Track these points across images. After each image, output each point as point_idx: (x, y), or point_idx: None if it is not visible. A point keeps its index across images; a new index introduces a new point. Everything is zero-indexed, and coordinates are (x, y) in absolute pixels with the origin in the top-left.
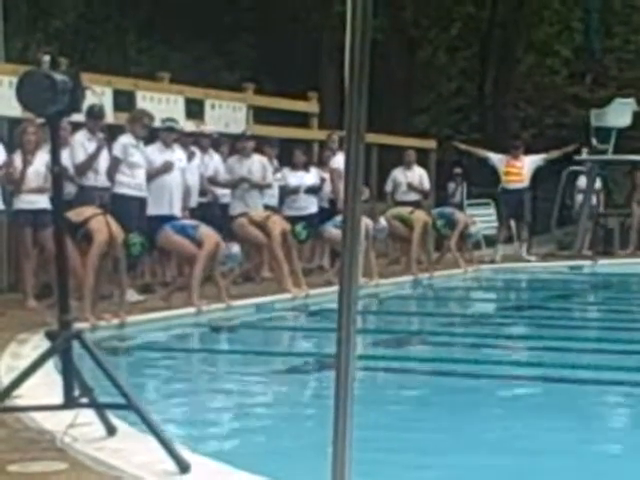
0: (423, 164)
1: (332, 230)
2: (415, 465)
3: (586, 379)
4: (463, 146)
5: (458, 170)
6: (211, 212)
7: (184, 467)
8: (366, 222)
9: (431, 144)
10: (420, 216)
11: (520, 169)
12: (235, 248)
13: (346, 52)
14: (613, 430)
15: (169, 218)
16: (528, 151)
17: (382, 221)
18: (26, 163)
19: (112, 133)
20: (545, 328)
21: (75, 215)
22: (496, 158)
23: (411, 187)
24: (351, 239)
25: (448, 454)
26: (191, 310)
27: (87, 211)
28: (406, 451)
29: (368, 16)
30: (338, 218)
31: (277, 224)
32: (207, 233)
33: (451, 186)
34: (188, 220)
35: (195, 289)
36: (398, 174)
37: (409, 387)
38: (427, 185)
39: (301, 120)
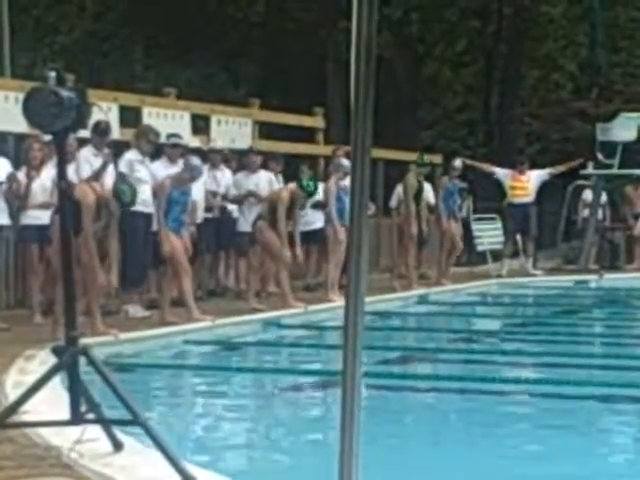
0: (429, 179)
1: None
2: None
3: (594, 395)
4: (469, 161)
5: (463, 185)
6: (218, 228)
7: None
8: None
9: (437, 159)
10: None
11: (526, 184)
12: (195, 160)
13: (351, 68)
14: (621, 448)
15: None
16: (534, 166)
17: None
18: (31, 179)
19: (118, 149)
20: (551, 344)
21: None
22: (502, 173)
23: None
24: (357, 254)
25: (455, 473)
26: (197, 325)
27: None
28: (411, 469)
29: (373, 32)
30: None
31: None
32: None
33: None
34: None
35: (191, 304)
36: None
37: (411, 404)
38: (432, 200)
39: (307, 135)
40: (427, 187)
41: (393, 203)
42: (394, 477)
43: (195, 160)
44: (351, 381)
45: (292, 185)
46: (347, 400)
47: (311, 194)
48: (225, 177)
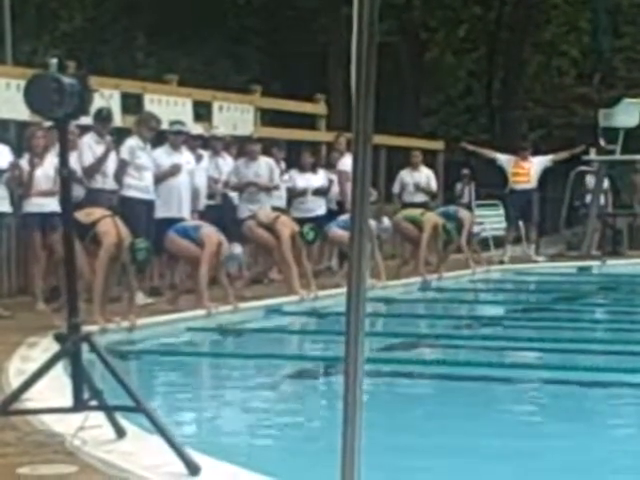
0: (431, 165)
1: (336, 230)
2: (421, 468)
3: (597, 381)
4: (471, 147)
5: (466, 171)
6: (220, 214)
7: (194, 469)
8: (370, 222)
9: (439, 145)
10: (431, 218)
11: (528, 170)
12: (237, 249)
13: (352, 54)
14: (621, 432)
15: (177, 221)
16: (536, 152)
17: (385, 220)
18: (34, 166)
19: (120, 136)
20: (555, 330)
21: (84, 216)
22: (504, 159)
23: (418, 188)
24: (359, 241)
25: (455, 458)
26: (200, 312)
27: (96, 212)
28: (413, 455)
29: (375, 18)
30: (342, 218)
31: (286, 226)
32: (208, 233)
33: (459, 187)
34: (192, 222)
35: (203, 291)
36: (405, 175)
37: (417, 390)
38: (434, 186)
39: (309, 122)
40: (430, 174)
41: (395, 189)
42: (396, 463)
43: (237, 249)
44: (353, 368)
45: (294, 225)
46: (350, 387)
47: (310, 243)
48: (227, 164)
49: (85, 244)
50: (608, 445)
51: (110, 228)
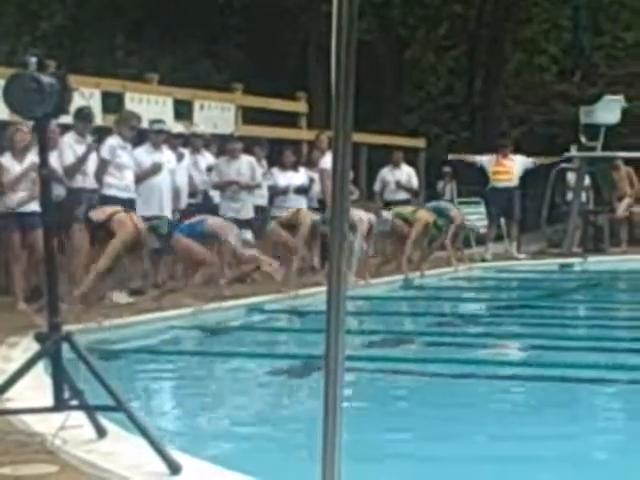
0: (412, 163)
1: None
2: (400, 468)
3: (580, 378)
4: (453, 156)
5: (447, 169)
6: (200, 213)
7: (175, 468)
8: (369, 217)
9: (420, 143)
10: (422, 216)
11: (509, 168)
12: (248, 235)
13: (332, 52)
14: (604, 428)
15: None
16: (517, 149)
17: (384, 213)
18: (15, 165)
19: (101, 135)
20: (536, 327)
21: (98, 214)
22: (485, 159)
23: (399, 186)
24: (339, 239)
25: (437, 456)
26: (183, 311)
27: (109, 209)
28: (391, 454)
29: (354, 16)
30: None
31: (307, 217)
32: (217, 224)
33: (440, 184)
34: (195, 217)
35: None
36: (386, 173)
37: (398, 388)
38: (416, 184)
39: (290, 120)
40: (411, 171)
41: (377, 187)
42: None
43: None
44: (334, 365)
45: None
46: (330, 384)
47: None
48: (207, 162)
49: (99, 240)
50: (594, 442)
51: (126, 220)
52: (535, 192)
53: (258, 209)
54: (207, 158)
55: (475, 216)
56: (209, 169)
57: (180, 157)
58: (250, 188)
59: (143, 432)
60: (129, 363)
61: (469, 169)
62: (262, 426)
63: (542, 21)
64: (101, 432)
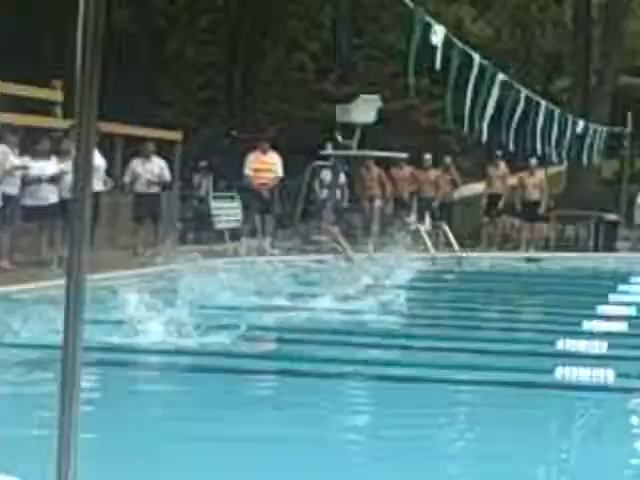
0: (168, 156)
1: None
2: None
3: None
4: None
5: (204, 163)
6: None
7: None
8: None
9: (177, 136)
10: None
11: (270, 165)
12: None
13: (77, 42)
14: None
15: None
16: (275, 146)
17: None
18: None
19: None
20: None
21: None
22: (248, 160)
23: (151, 180)
24: (79, 230)
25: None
26: None
27: None
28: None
29: (101, 8)
30: None
31: None
32: None
33: (197, 178)
34: None
35: None
36: (137, 165)
37: None
38: (168, 176)
39: (46, 108)
40: (162, 164)
41: (127, 179)
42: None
43: None
44: (72, 356)
45: None
46: (67, 376)
47: None
48: None
49: None
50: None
51: None
52: (291, 189)
53: (9, 199)
54: None
55: (230, 211)
56: None
57: None
58: None
59: None
60: None
61: (226, 163)
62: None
63: (303, 18)
64: None
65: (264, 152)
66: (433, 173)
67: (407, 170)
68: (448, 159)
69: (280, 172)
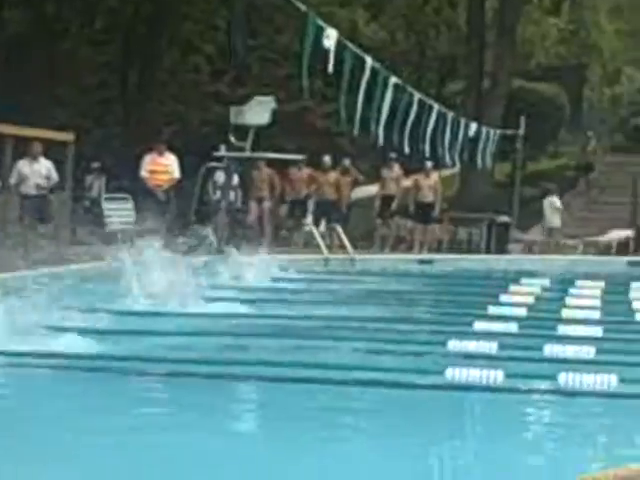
0: (59, 157)
1: None
2: None
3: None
4: None
5: (96, 164)
6: None
7: None
8: None
9: (69, 137)
10: None
11: (167, 167)
12: None
13: None
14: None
15: None
16: (171, 148)
17: None
18: None
19: None
20: None
21: None
22: (144, 162)
23: (39, 182)
24: None
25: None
26: None
27: None
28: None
29: None
30: None
31: None
32: None
33: (89, 179)
34: None
35: None
36: (23, 166)
37: None
38: (55, 177)
39: None
40: (49, 165)
41: (13, 180)
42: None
43: None
44: None
45: None
46: None
47: None
48: None
49: None
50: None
51: None
52: (185, 190)
53: None
54: None
55: (123, 212)
56: None
57: None
58: None
59: None
60: None
61: (119, 165)
62: None
63: (198, 20)
64: None
65: (160, 154)
66: (333, 175)
67: (305, 172)
68: (347, 161)
69: (177, 173)
